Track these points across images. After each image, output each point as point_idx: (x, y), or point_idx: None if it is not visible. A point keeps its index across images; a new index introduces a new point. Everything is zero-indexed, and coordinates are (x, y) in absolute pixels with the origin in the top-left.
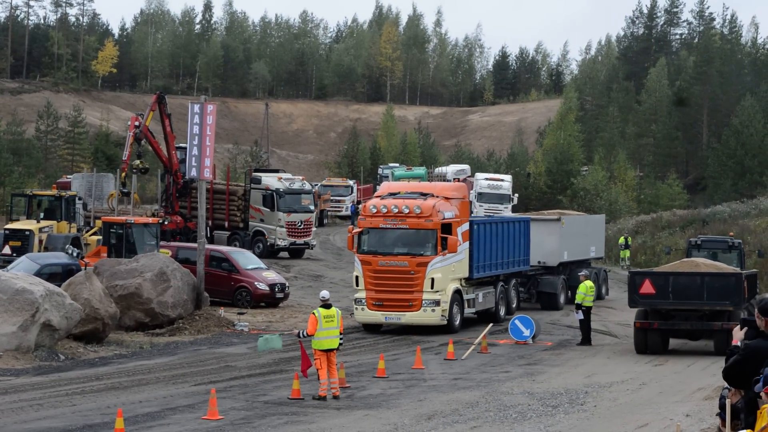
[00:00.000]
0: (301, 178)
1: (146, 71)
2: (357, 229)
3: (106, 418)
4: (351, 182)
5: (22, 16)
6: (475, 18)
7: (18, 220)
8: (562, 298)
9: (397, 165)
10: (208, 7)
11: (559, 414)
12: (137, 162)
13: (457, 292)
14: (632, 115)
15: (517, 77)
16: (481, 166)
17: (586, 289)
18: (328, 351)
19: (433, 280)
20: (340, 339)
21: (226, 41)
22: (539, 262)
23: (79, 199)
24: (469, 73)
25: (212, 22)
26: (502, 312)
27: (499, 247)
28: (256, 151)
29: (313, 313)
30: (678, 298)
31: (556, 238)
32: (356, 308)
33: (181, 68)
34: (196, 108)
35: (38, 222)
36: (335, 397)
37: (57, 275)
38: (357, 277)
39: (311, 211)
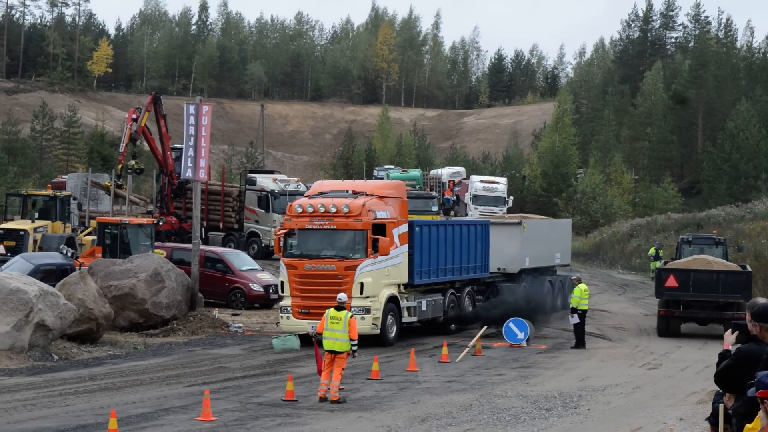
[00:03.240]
0: (296, 179)
1: (142, 72)
2: (282, 231)
3: (100, 419)
4: None
5: (17, 15)
6: (472, 21)
7: (13, 219)
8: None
9: (393, 167)
10: (204, 8)
11: (553, 417)
12: (132, 162)
13: (393, 300)
14: (627, 118)
15: (513, 80)
16: (477, 168)
17: (580, 292)
18: (330, 352)
19: (362, 285)
20: (353, 346)
21: (222, 42)
22: (499, 269)
23: (74, 199)
24: (464, 75)
25: (208, 23)
26: (453, 322)
27: (450, 251)
28: (251, 152)
29: (325, 313)
30: (697, 290)
31: (516, 243)
32: (281, 317)
33: (177, 69)
34: (192, 109)
35: (33, 222)
36: (334, 401)
37: (51, 275)
38: (282, 283)
39: None
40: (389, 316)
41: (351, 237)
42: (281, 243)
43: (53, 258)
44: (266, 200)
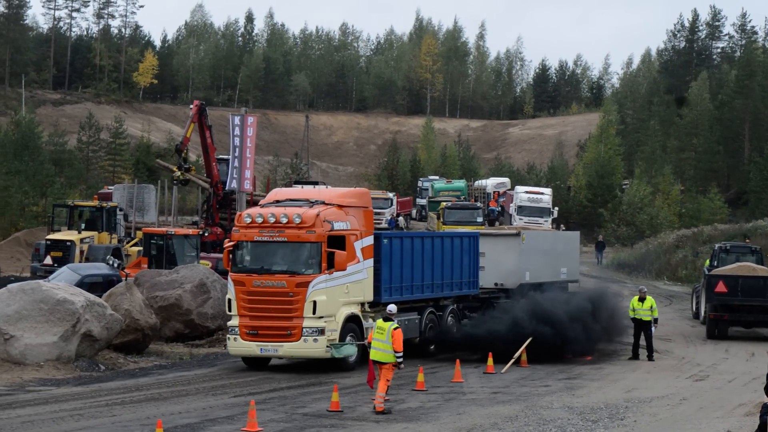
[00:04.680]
0: None
1: (187, 83)
2: (229, 243)
3: (146, 429)
4: (390, 195)
5: (64, 27)
6: (516, 32)
7: (60, 230)
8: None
9: (437, 178)
10: (249, 20)
11: (599, 429)
12: (178, 173)
13: (353, 319)
14: (673, 129)
15: (558, 90)
16: (521, 179)
17: (653, 303)
18: (375, 362)
19: (315, 303)
20: (398, 358)
21: (267, 53)
22: (496, 284)
23: (120, 210)
24: (509, 85)
25: (254, 34)
26: (432, 344)
27: (428, 266)
28: (296, 163)
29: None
30: (745, 295)
31: (515, 256)
32: (228, 338)
33: (222, 80)
34: (237, 120)
35: (79, 233)
36: (378, 412)
37: (98, 286)
38: (230, 301)
39: None
40: (348, 338)
41: (303, 250)
42: (229, 257)
43: (100, 269)
44: None
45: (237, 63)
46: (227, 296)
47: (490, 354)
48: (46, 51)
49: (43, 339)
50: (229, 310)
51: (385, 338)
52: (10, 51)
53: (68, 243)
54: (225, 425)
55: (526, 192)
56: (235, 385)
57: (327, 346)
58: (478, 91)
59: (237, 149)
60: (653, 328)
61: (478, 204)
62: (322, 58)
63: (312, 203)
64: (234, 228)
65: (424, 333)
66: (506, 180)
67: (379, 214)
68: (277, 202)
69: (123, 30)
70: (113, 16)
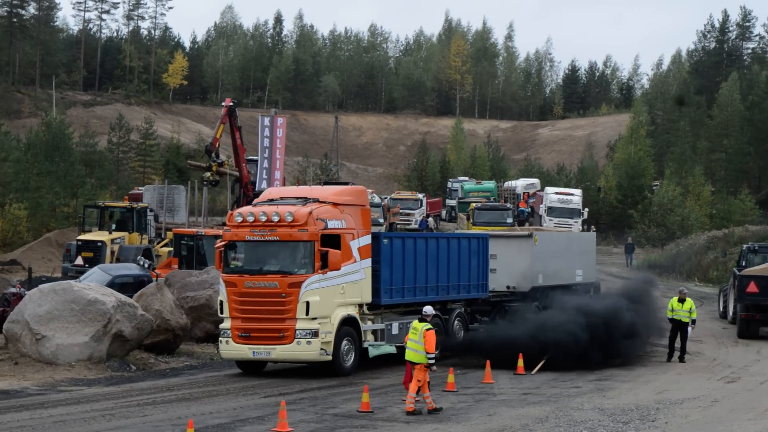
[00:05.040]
0: (370, 191)
1: (217, 84)
2: (220, 243)
3: (177, 429)
4: (420, 196)
5: (94, 29)
6: (545, 32)
7: (90, 231)
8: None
9: (467, 179)
10: (278, 21)
11: (630, 430)
12: (208, 174)
13: (350, 322)
14: (704, 130)
15: (587, 91)
16: (551, 180)
17: (692, 304)
18: (409, 362)
19: (308, 304)
20: (429, 359)
21: (297, 54)
22: (508, 287)
23: (151, 210)
24: (538, 86)
25: (283, 35)
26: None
27: (433, 268)
28: (325, 164)
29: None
30: None
31: (527, 258)
32: (220, 341)
33: (252, 81)
34: (267, 121)
35: (110, 233)
36: (407, 413)
37: (128, 286)
38: (221, 303)
39: (380, 224)
40: (345, 341)
41: (295, 250)
42: (221, 257)
43: (130, 269)
44: None
45: (266, 64)
46: (219, 298)
47: (521, 355)
48: (76, 53)
49: (74, 339)
50: (221, 313)
51: (418, 338)
52: (41, 53)
53: (99, 243)
54: (256, 425)
55: (556, 193)
56: (266, 385)
57: (321, 349)
58: (508, 92)
59: (267, 150)
60: (690, 330)
61: (508, 205)
62: (351, 59)
63: (306, 201)
64: (225, 227)
65: None
66: (536, 181)
67: (408, 214)
68: (271, 200)
69: (153, 31)
70: (143, 18)
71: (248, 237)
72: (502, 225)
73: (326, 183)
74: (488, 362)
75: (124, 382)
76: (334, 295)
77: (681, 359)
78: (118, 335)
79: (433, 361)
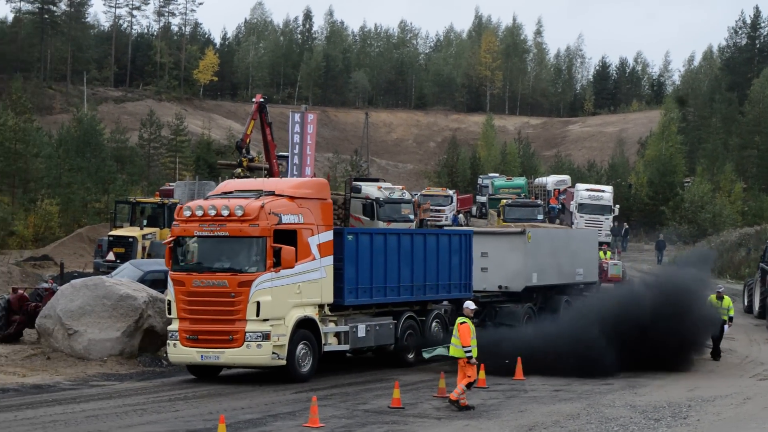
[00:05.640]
0: (400, 187)
1: (247, 80)
2: (169, 239)
3: (209, 424)
4: (451, 192)
5: (125, 25)
6: (575, 29)
7: (122, 227)
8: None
9: (497, 175)
10: (308, 17)
11: (662, 428)
12: (238, 170)
13: (307, 324)
14: (735, 126)
15: (618, 88)
16: (582, 176)
17: (730, 302)
18: (453, 358)
19: (258, 304)
20: (466, 352)
21: (327, 51)
22: (500, 287)
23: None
24: (569, 83)
25: (313, 31)
26: (412, 352)
27: (407, 266)
28: (356, 160)
29: None
30: None
31: (520, 256)
32: (168, 344)
33: (282, 78)
34: (297, 117)
35: (141, 229)
36: (460, 408)
37: (160, 282)
38: (169, 303)
39: (411, 221)
40: (301, 345)
41: (246, 246)
42: (170, 254)
43: (162, 265)
44: (371, 208)
45: (296, 60)
46: (167, 297)
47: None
48: (107, 49)
49: (106, 334)
50: (169, 313)
51: (456, 334)
52: (72, 49)
53: (130, 239)
54: (287, 420)
55: (587, 190)
56: (297, 382)
57: (272, 353)
58: (538, 89)
59: (297, 146)
60: (726, 327)
61: (539, 201)
62: (382, 55)
63: (260, 194)
64: (174, 222)
65: (402, 339)
66: (567, 177)
67: (439, 211)
68: (225, 193)
69: (183, 28)
70: (173, 14)
71: (197, 232)
72: (533, 221)
73: (356, 179)
74: (519, 359)
75: (155, 378)
76: (289, 295)
77: (714, 357)
78: (149, 330)
79: (470, 354)
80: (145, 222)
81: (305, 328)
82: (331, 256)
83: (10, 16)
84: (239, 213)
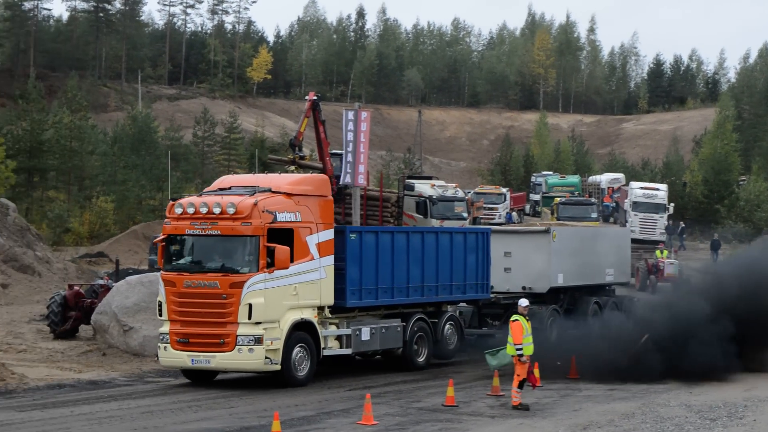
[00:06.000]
0: (454, 185)
1: (300, 78)
2: (160, 237)
3: (263, 421)
4: (504, 190)
5: (179, 23)
6: (629, 26)
7: None
8: (553, 335)
9: (551, 173)
10: (361, 15)
11: (718, 428)
12: (292, 168)
13: (305, 326)
14: None
15: (672, 85)
16: (636, 175)
17: None
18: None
19: (251, 307)
20: (517, 350)
21: (380, 49)
22: (524, 288)
23: None
24: (623, 80)
25: (366, 29)
26: (422, 355)
27: (417, 266)
28: (409, 158)
29: None
30: None
31: (544, 256)
32: (159, 347)
33: (335, 75)
34: (351, 115)
35: None
36: (512, 407)
37: None
38: (160, 304)
39: (464, 219)
40: (297, 349)
41: (238, 245)
42: (162, 253)
43: None
44: (424, 206)
45: (349, 58)
46: (158, 298)
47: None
48: (161, 47)
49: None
50: (160, 315)
51: (509, 333)
52: (127, 47)
53: None
54: (341, 418)
55: (641, 188)
56: (350, 378)
57: (265, 357)
58: (592, 86)
59: (350, 144)
60: None
61: (593, 200)
62: (435, 53)
63: (255, 191)
64: (165, 220)
65: (411, 343)
66: (621, 176)
67: (492, 209)
68: (221, 189)
69: (237, 26)
70: (227, 12)
71: (188, 230)
72: (587, 220)
73: (409, 177)
74: (573, 358)
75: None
76: (284, 296)
77: None
78: None
79: (521, 352)
80: None
81: (302, 331)
82: (332, 255)
83: (66, 15)
84: (231, 211)
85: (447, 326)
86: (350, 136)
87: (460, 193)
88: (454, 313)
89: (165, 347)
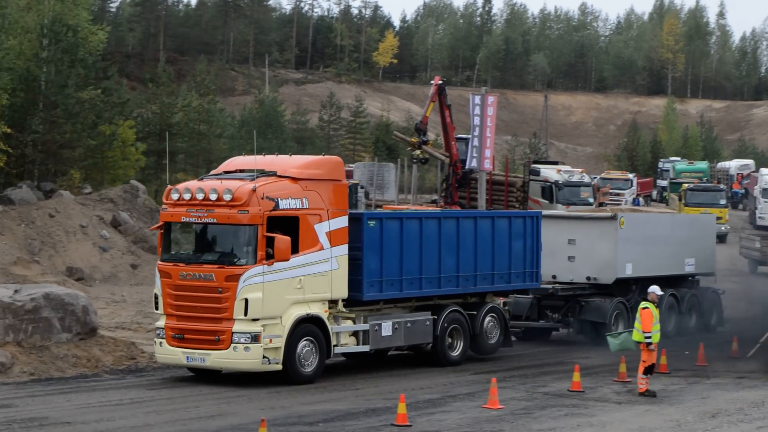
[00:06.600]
0: (580, 170)
1: (426, 63)
2: (157, 225)
3: (389, 403)
4: (630, 176)
5: (306, 8)
6: (761, 11)
7: None
8: (618, 330)
9: (678, 159)
10: (488, 0)
11: None
12: (417, 152)
13: (312, 322)
14: None
15: None
16: (766, 161)
17: None
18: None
19: (247, 302)
20: (646, 338)
21: (506, 33)
22: (588, 279)
23: (361, 187)
24: (754, 66)
25: (492, 14)
26: (456, 349)
27: (451, 254)
28: (534, 143)
29: None
30: None
31: (610, 244)
32: (155, 342)
33: (461, 60)
34: (477, 99)
35: None
36: (639, 394)
37: None
38: (156, 297)
39: (590, 204)
40: (303, 342)
41: (235, 235)
42: (160, 242)
43: None
44: (550, 191)
45: (475, 43)
46: (154, 290)
47: (734, 338)
48: (288, 32)
49: None
50: (156, 308)
51: (637, 318)
52: (254, 32)
53: None
54: (466, 401)
55: None
56: (476, 362)
57: (263, 357)
58: (721, 71)
59: (477, 128)
60: None
61: (722, 186)
62: (561, 38)
63: (258, 175)
64: (162, 206)
65: (443, 338)
66: (750, 162)
67: (618, 194)
68: (227, 172)
69: (363, 10)
70: None
71: (184, 218)
72: (715, 206)
73: (535, 162)
74: (701, 345)
75: (336, 357)
76: (286, 290)
77: None
78: None
79: (649, 340)
80: None
81: (310, 324)
82: (346, 245)
83: (194, 0)
84: (227, 197)
85: (487, 319)
86: (477, 120)
87: (586, 179)
88: (497, 305)
89: (161, 343)
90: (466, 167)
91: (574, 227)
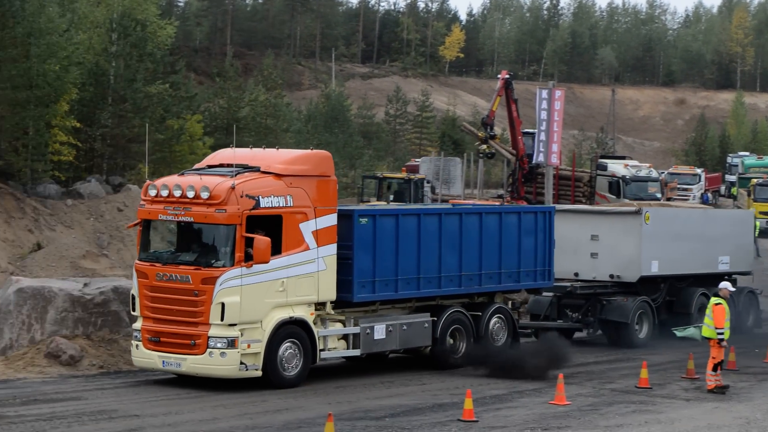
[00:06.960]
0: (647, 165)
1: (493, 57)
2: (135, 222)
3: (456, 398)
4: (699, 171)
5: (373, 2)
6: None
7: (368, 201)
8: (642, 331)
9: (747, 154)
10: None
11: None
12: (484, 147)
13: (299, 324)
14: None
15: None
16: None
17: None
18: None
19: (223, 306)
20: (718, 334)
21: (573, 27)
22: (611, 276)
23: (428, 182)
24: None
25: (559, 8)
26: (459, 352)
27: (452, 252)
28: (601, 138)
29: None
30: None
31: (635, 240)
32: (132, 344)
33: (527, 54)
34: (544, 94)
35: (388, 204)
36: (707, 391)
37: None
38: (133, 298)
39: (658, 199)
40: (286, 345)
41: (212, 235)
42: (140, 240)
43: None
44: (617, 186)
45: (542, 37)
46: (131, 291)
47: None
48: (355, 26)
49: None
50: (133, 310)
51: (708, 313)
52: (321, 26)
53: None
54: (533, 397)
55: None
56: None
57: (240, 363)
58: None
59: (544, 123)
60: None
61: None
62: (629, 31)
63: (239, 171)
64: (141, 202)
65: (443, 340)
66: None
67: (686, 190)
68: (210, 166)
69: (429, 4)
70: None
71: (161, 216)
72: None
73: (602, 157)
74: None
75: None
76: (267, 293)
77: None
78: None
79: (722, 337)
80: (391, 197)
81: (294, 326)
82: (334, 244)
83: None
84: (205, 195)
85: (493, 320)
86: (543, 114)
87: (654, 174)
88: (504, 305)
89: (137, 345)
90: (533, 162)
91: (597, 222)
